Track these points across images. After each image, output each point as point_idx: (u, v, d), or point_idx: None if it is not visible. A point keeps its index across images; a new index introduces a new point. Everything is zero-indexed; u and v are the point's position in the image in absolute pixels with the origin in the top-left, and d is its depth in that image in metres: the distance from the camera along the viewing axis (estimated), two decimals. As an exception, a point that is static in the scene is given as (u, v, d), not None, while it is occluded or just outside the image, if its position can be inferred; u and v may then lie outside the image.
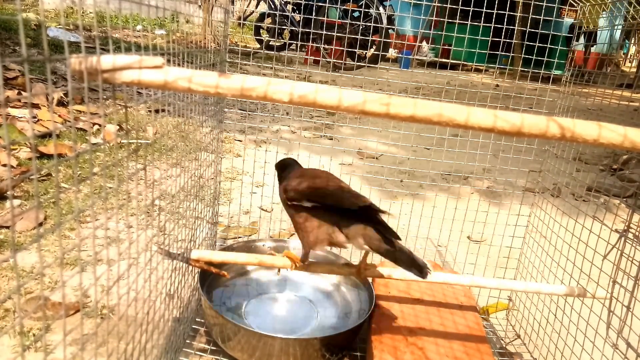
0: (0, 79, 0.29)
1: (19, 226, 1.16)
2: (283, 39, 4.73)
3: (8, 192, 1.32)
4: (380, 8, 4.27)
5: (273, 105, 3.00)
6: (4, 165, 1.43)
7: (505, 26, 1.04)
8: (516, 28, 1.10)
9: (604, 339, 0.75)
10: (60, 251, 0.65)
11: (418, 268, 0.68)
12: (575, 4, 1.01)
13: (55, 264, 1.05)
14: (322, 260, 1.06)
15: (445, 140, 1.11)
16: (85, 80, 0.40)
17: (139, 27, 5.02)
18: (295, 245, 1.09)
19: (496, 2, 0.97)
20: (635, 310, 0.71)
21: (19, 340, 0.82)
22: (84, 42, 0.41)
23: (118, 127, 1.83)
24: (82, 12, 5.09)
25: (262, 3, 5.40)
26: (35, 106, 1.98)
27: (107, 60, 0.41)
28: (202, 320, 0.94)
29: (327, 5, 4.04)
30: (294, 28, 3.56)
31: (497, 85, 3.36)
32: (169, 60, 0.54)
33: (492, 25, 1.13)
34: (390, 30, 4.56)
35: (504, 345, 1.02)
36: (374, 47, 4.36)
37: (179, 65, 0.62)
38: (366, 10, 4.09)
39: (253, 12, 5.43)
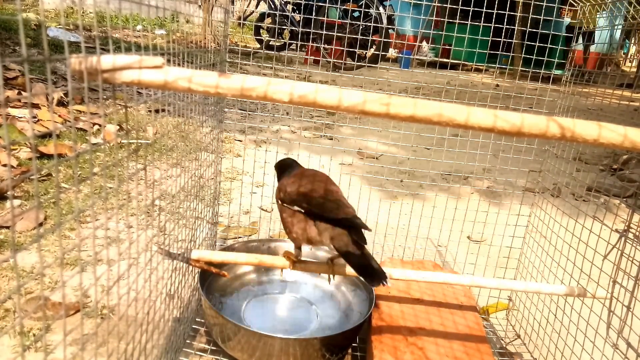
0: (0, 79, 0.29)
1: (19, 226, 1.16)
2: (283, 39, 4.73)
3: (8, 192, 1.32)
4: (380, 8, 4.27)
5: (273, 105, 3.00)
6: (4, 165, 1.43)
7: (505, 26, 1.04)
8: (516, 28, 1.10)
9: (604, 339, 0.75)
10: (60, 251, 0.65)
11: (370, 276, 0.69)
12: (575, 4, 1.01)
13: (55, 264, 1.05)
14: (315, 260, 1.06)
15: (445, 140, 1.11)
16: (85, 80, 0.40)
17: (139, 27, 5.02)
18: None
19: (496, 2, 0.97)
20: (635, 310, 0.71)
21: (19, 340, 0.82)
22: (84, 42, 0.41)
23: (118, 127, 1.83)
24: (82, 12, 5.09)
25: (262, 3, 5.40)
26: (35, 106, 1.98)
27: (107, 60, 0.41)
28: (202, 320, 0.94)
29: (327, 5, 4.04)
30: (294, 28, 3.56)
31: (497, 85, 3.36)
32: (169, 60, 0.54)
33: (492, 25, 1.13)
34: (390, 30, 4.56)
35: (504, 345, 1.02)
36: (374, 47, 4.36)
37: (179, 65, 0.62)
38: (366, 10, 4.09)
39: (253, 12, 5.43)
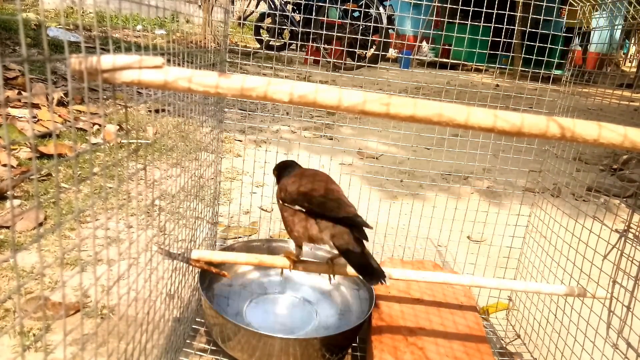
0: (1, 79, 0.29)
1: (19, 226, 1.16)
2: (283, 39, 4.73)
3: (8, 192, 1.32)
4: (380, 8, 4.27)
5: (273, 105, 3.00)
6: (4, 165, 1.43)
7: (505, 26, 1.04)
8: (516, 28, 1.10)
9: (604, 339, 0.75)
10: (60, 251, 0.65)
11: (369, 275, 0.70)
12: (575, 4, 1.01)
13: (55, 264, 1.05)
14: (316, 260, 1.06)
15: (445, 140, 1.11)
16: (85, 80, 0.40)
17: (139, 27, 5.02)
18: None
19: (496, 2, 0.97)
20: (635, 310, 0.71)
21: (19, 340, 0.82)
22: (84, 42, 0.41)
23: (118, 127, 1.83)
24: (82, 12, 5.09)
25: (262, 3, 5.40)
26: (35, 106, 1.98)
27: (107, 60, 0.41)
28: (202, 320, 0.94)
29: (327, 5, 4.04)
30: (294, 28, 3.56)
31: (497, 85, 3.36)
32: (169, 60, 0.54)
33: (492, 25, 1.13)
34: (390, 30, 4.56)
35: (504, 345, 1.02)
36: (374, 47, 4.36)
37: (179, 65, 0.62)
38: (366, 10, 4.09)
39: (253, 12, 5.43)
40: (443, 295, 1.00)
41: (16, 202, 1.29)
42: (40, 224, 1.20)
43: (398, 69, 3.97)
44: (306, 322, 0.96)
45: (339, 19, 4.01)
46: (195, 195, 0.87)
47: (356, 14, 4.42)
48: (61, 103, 2.08)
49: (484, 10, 1.02)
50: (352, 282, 1.05)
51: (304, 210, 0.76)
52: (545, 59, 1.04)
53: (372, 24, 3.82)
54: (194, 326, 0.94)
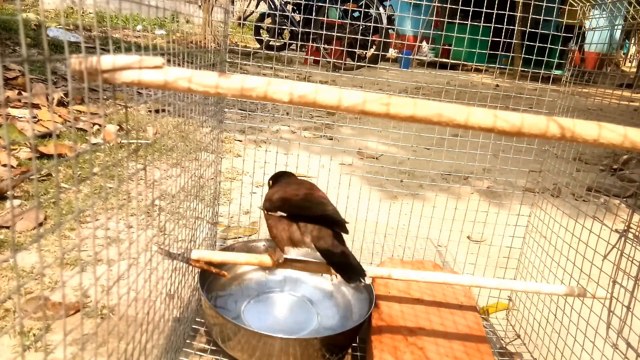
0: (1, 79, 0.29)
1: (19, 226, 1.16)
2: (283, 39, 4.73)
3: (8, 192, 1.32)
4: (380, 8, 4.27)
5: (273, 105, 3.00)
6: (4, 165, 1.43)
7: (505, 26, 1.04)
8: (516, 28, 1.10)
9: (604, 339, 0.75)
10: (60, 251, 0.65)
11: (348, 274, 0.70)
12: (576, 4, 1.01)
13: (55, 264, 1.05)
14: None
15: (445, 140, 1.11)
16: (85, 80, 0.40)
17: (139, 27, 5.02)
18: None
19: (496, 2, 0.97)
20: (635, 310, 0.71)
21: (19, 340, 0.82)
22: (84, 42, 0.41)
23: (118, 127, 1.83)
24: (82, 12, 5.09)
25: (262, 3, 5.40)
26: (35, 106, 1.98)
27: (107, 61, 0.41)
28: (202, 320, 0.94)
29: (327, 5, 4.04)
30: (294, 28, 3.56)
31: (497, 85, 3.36)
32: (169, 60, 0.54)
33: (492, 25, 1.13)
34: (390, 30, 4.56)
35: (504, 345, 1.02)
36: (374, 47, 4.36)
37: (179, 65, 0.62)
38: (366, 10, 4.09)
39: (253, 12, 5.43)
40: (443, 295, 1.00)
41: (16, 202, 1.29)
42: (40, 224, 1.20)
43: (398, 69, 3.97)
44: (307, 322, 0.96)
45: (339, 19, 4.01)
46: (195, 195, 0.87)
47: (356, 14, 4.42)
48: (61, 103, 2.08)
49: (484, 10, 1.02)
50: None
51: (285, 215, 0.77)
52: (545, 59, 1.04)
53: (372, 24, 3.82)
54: (194, 326, 0.94)
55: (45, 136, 1.78)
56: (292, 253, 0.91)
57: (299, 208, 0.77)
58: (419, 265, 1.10)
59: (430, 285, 1.02)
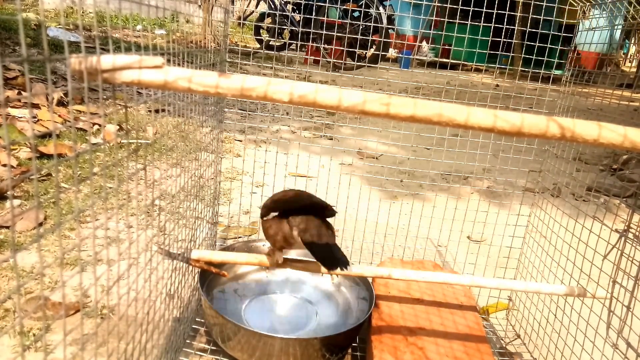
0: (0, 79, 0.29)
1: (19, 226, 1.16)
2: (283, 39, 4.73)
3: (8, 192, 1.32)
4: (380, 8, 4.27)
5: (273, 105, 3.00)
6: (4, 165, 1.43)
7: (505, 26, 1.04)
8: (516, 28, 1.10)
9: (604, 339, 0.75)
10: (60, 251, 0.65)
11: (329, 264, 0.71)
12: (576, 4, 1.01)
13: (55, 264, 1.05)
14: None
15: (445, 140, 1.10)
16: (85, 80, 0.40)
17: (139, 27, 5.02)
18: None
19: (496, 2, 0.97)
20: (635, 310, 0.71)
21: (19, 340, 0.82)
22: (84, 42, 0.41)
23: (118, 127, 1.83)
24: (82, 12, 5.09)
25: (262, 3, 5.40)
26: (35, 106, 1.98)
27: (107, 60, 0.41)
28: (202, 320, 0.94)
29: (327, 5, 4.04)
30: (294, 28, 3.55)
31: (497, 85, 3.36)
32: (169, 60, 0.54)
33: (492, 25, 1.13)
34: (390, 30, 4.56)
35: (504, 345, 1.02)
36: (374, 47, 4.36)
37: (179, 65, 0.62)
38: (366, 10, 4.09)
39: (253, 12, 5.43)
40: (443, 295, 1.00)
41: (16, 202, 1.29)
42: (40, 224, 1.20)
43: (398, 69, 3.97)
44: (306, 322, 0.96)
45: (339, 19, 4.01)
46: (195, 195, 0.87)
47: (356, 14, 4.42)
48: (61, 103, 2.08)
49: (484, 10, 1.02)
50: (352, 282, 1.05)
51: (277, 214, 0.80)
52: (545, 58, 1.04)
53: (372, 24, 3.82)
54: (194, 326, 0.94)
55: (45, 136, 1.78)
56: (292, 253, 0.91)
57: (289, 203, 0.79)
58: (419, 265, 1.10)
59: (430, 285, 1.02)
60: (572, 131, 0.46)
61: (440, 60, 1.32)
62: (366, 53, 4.04)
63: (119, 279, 0.54)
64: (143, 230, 0.61)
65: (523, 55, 1.15)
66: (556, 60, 1.07)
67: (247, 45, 5.57)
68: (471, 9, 0.99)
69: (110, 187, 1.33)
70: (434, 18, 1.45)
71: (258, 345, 0.80)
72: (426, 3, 1.08)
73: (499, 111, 0.46)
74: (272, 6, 4.94)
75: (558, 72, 1.24)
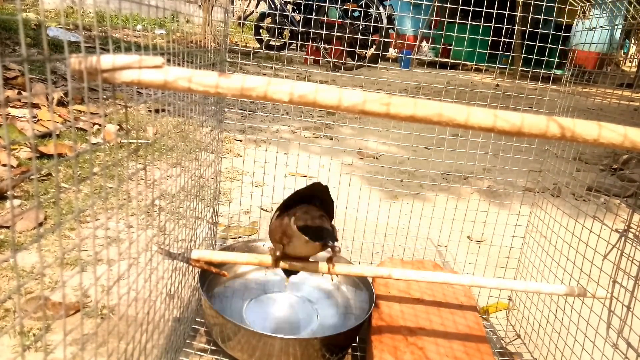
0: (0, 79, 0.29)
1: (19, 226, 1.16)
2: (283, 38, 4.73)
3: (8, 192, 1.32)
4: (380, 8, 4.27)
5: (273, 105, 3.00)
6: (4, 165, 1.43)
7: (505, 26, 1.04)
8: (516, 28, 1.10)
9: (604, 339, 0.75)
10: (60, 251, 0.65)
11: (314, 235, 0.74)
12: (576, 4, 1.01)
13: (55, 264, 1.05)
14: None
15: (445, 140, 1.10)
16: (85, 80, 0.40)
17: (139, 27, 5.01)
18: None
19: (496, 2, 0.97)
20: (635, 310, 0.71)
21: (19, 340, 0.82)
22: (83, 42, 0.41)
23: (118, 127, 1.83)
24: (82, 12, 5.09)
25: (262, 3, 5.40)
26: (35, 106, 1.98)
27: (107, 60, 0.41)
28: (202, 320, 0.94)
29: (327, 5, 4.04)
30: (294, 28, 3.55)
31: (497, 85, 3.36)
32: (169, 60, 0.54)
33: (492, 25, 1.13)
34: (390, 30, 4.56)
35: (504, 345, 1.02)
36: (374, 46, 4.36)
37: (179, 65, 0.62)
38: (366, 10, 4.09)
39: (253, 12, 5.43)
40: (443, 295, 1.00)
41: (16, 202, 1.29)
42: (40, 224, 1.20)
43: (398, 68, 3.97)
44: (307, 322, 0.96)
45: (339, 18, 4.01)
46: (195, 195, 0.87)
47: (356, 14, 4.42)
48: (61, 103, 2.08)
49: (484, 10, 1.02)
50: (352, 282, 1.05)
51: (278, 212, 0.82)
52: (545, 58, 1.04)
53: (372, 24, 3.82)
54: (194, 326, 0.94)
55: (45, 136, 1.78)
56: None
57: (291, 198, 0.82)
58: (419, 265, 1.10)
59: (430, 285, 1.02)
60: (572, 131, 0.46)
61: (440, 60, 1.32)
62: (366, 53, 4.04)
63: (119, 279, 0.54)
64: (143, 230, 0.61)
65: (523, 55, 1.15)
66: (556, 60, 1.07)
67: (247, 45, 5.57)
68: (471, 8, 0.99)
69: (110, 187, 1.33)
70: (434, 18, 1.45)
71: (258, 345, 0.80)
72: (426, 3, 1.08)
73: (499, 111, 0.46)
74: (272, 6, 4.93)
75: (558, 72, 1.24)
